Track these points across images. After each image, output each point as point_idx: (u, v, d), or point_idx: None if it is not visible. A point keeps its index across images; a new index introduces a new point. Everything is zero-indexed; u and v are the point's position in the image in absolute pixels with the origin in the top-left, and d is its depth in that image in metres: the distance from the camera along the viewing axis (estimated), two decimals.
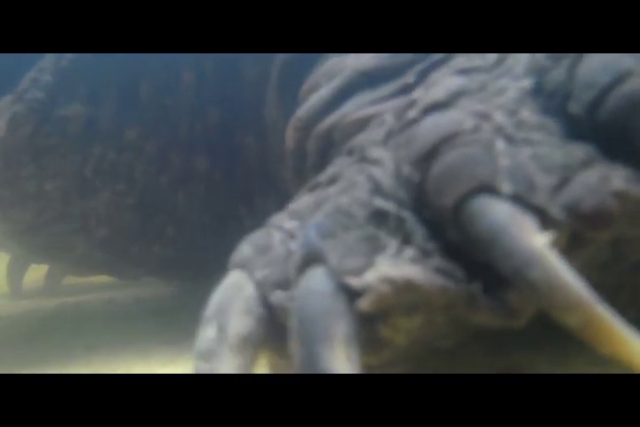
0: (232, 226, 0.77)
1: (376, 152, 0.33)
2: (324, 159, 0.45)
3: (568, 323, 0.24)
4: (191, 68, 0.68)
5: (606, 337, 0.23)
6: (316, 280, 0.27)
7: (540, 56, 0.32)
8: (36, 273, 1.19)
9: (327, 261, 0.28)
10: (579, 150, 0.27)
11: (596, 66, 0.29)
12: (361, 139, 0.37)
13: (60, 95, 0.65)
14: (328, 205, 0.32)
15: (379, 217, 0.29)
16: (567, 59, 0.30)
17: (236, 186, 0.74)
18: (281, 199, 0.73)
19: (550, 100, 0.30)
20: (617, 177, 0.26)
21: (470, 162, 0.27)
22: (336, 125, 0.44)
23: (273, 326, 0.30)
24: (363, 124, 0.41)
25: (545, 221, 0.26)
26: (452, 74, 0.35)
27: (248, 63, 0.68)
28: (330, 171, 0.38)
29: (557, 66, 0.31)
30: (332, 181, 0.36)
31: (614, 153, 0.27)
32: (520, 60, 0.34)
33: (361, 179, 0.32)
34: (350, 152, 0.38)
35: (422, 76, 0.41)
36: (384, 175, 0.31)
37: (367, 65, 0.45)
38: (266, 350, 0.31)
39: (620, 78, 0.28)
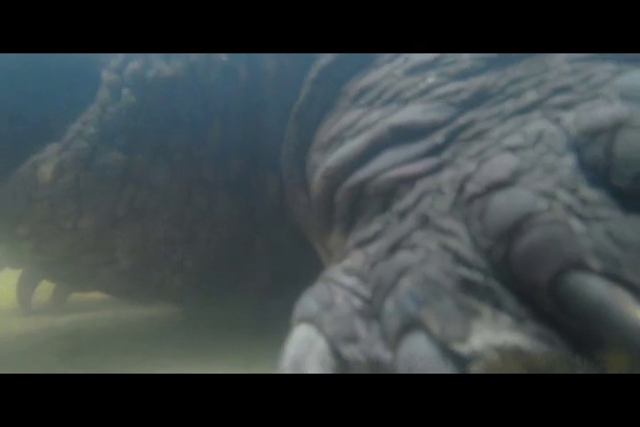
0: (246, 254, 0.84)
1: (447, 222, 0.36)
2: (353, 210, 0.49)
3: None
4: (218, 120, 0.75)
5: None
6: (421, 345, 0.31)
7: (575, 133, 0.37)
8: (38, 288, 1.20)
9: (428, 327, 0.31)
10: None
11: (633, 145, 0.33)
12: (421, 206, 0.40)
13: (102, 145, 0.70)
14: (414, 274, 0.35)
15: (466, 285, 0.32)
16: (602, 136, 0.35)
17: (254, 220, 0.81)
18: (293, 231, 0.80)
19: (592, 173, 0.34)
20: None
21: (555, 241, 0.31)
22: (369, 180, 0.47)
23: None
24: (398, 182, 0.44)
25: (636, 294, 0.28)
26: (501, 151, 0.39)
27: (269, 115, 0.75)
28: (375, 227, 0.42)
29: (594, 142, 0.35)
30: (388, 242, 0.39)
31: None
32: (556, 136, 0.37)
33: (434, 247, 0.35)
34: (403, 215, 0.41)
35: (450, 138, 0.44)
36: (461, 246, 0.34)
37: (400, 121, 0.48)
38: None
39: None
